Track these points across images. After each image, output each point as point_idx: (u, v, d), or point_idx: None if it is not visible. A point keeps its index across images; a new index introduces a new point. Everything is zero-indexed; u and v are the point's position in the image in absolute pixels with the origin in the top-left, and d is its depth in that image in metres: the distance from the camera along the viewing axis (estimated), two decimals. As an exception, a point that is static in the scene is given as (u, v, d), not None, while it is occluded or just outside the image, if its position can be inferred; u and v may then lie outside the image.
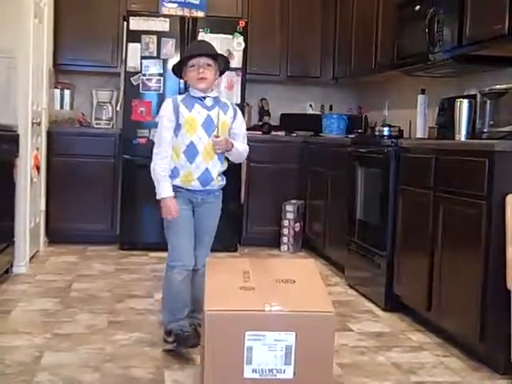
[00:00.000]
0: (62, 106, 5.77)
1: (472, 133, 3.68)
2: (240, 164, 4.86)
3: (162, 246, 5.23)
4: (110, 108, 5.80)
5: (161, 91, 5.31)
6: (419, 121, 4.56)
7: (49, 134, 5.36)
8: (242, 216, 5.66)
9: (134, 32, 5.27)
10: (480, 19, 3.49)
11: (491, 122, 3.45)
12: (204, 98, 2.95)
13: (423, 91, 4.59)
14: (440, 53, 3.86)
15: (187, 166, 2.91)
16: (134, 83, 5.30)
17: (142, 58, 5.28)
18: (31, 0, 4.49)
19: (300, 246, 5.68)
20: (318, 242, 5.33)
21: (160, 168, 2.93)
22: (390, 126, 4.67)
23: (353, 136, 5.14)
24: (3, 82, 4.31)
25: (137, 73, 5.29)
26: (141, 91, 5.30)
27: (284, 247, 5.60)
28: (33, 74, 4.55)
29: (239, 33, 5.40)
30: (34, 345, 3.00)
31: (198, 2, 5.64)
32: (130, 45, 5.29)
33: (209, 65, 2.91)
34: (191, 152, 2.90)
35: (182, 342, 2.88)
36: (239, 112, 3.10)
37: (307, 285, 2.43)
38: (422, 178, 3.46)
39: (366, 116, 5.89)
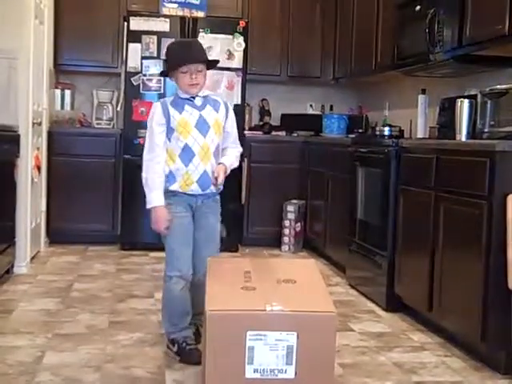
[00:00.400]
0: (62, 106, 5.78)
1: (473, 133, 3.68)
2: (241, 164, 4.85)
3: (162, 247, 5.28)
4: (110, 108, 5.81)
5: (161, 91, 5.30)
6: (420, 121, 4.57)
7: (49, 134, 5.37)
8: (243, 216, 5.67)
9: (134, 32, 5.28)
10: (480, 19, 3.49)
11: (492, 122, 3.45)
12: (193, 97, 2.86)
13: (424, 91, 4.59)
14: (440, 53, 3.86)
15: (184, 170, 2.83)
16: (135, 83, 5.30)
17: (143, 58, 5.29)
18: (32, 1, 4.50)
19: (301, 246, 5.68)
20: (319, 242, 5.33)
21: (153, 175, 2.85)
22: (390, 125, 4.67)
23: (353, 136, 5.15)
24: (4, 83, 4.32)
25: (137, 73, 5.30)
26: (141, 91, 5.31)
27: (285, 247, 5.60)
28: (33, 74, 4.55)
29: (239, 33, 5.40)
30: (35, 345, 3.00)
31: (198, 3, 5.64)
32: (131, 45, 5.29)
33: (200, 70, 2.83)
34: (187, 155, 2.82)
35: (186, 357, 2.84)
36: (231, 109, 3.00)
37: (308, 285, 2.43)
38: (422, 178, 3.46)
39: (366, 116, 5.89)
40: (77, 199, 5.39)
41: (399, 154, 3.78)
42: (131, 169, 5.32)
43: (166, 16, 5.41)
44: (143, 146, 5.47)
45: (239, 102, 5.32)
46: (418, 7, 4.13)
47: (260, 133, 5.85)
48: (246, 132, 5.59)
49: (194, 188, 2.86)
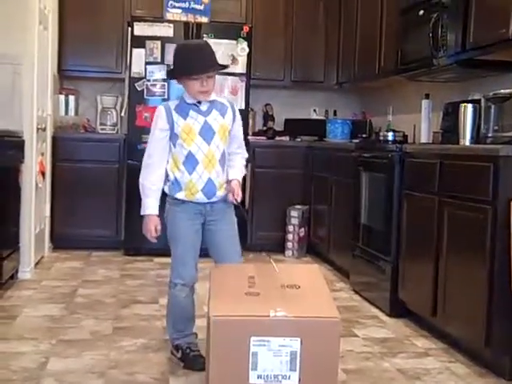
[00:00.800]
0: (66, 112, 5.80)
1: (476, 137, 3.68)
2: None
3: (166, 252, 5.26)
4: (114, 113, 5.82)
5: (165, 96, 5.32)
6: (423, 126, 4.56)
7: (54, 139, 5.38)
8: (247, 221, 5.66)
9: (138, 37, 5.29)
10: (484, 24, 3.48)
11: (496, 127, 3.44)
12: (199, 102, 2.78)
13: (427, 96, 4.59)
14: (444, 57, 3.86)
15: (188, 178, 2.77)
16: (139, 89, 5.31)
17: (147, 63, 5.30)
18: (36, 7, 4.52)
19: (305, 251, 5.67)
20: (323, 247, 5.33)
21: (149, 182, 2.82)
22: (394, 130, 4.67)
23: (357, 141, 5.14)
24: (8, 88, 4.33)
25: (141, 78, 5.31)
26: (145, 97, 5.32)
27: (289, 252, 5.60)
28: (38, 79, 4.57)
29: (243, 38, 5.41)
30: (39, 351, 3.00)
31: (202, 8, 5.65)
32: (135, 50, 5.31)
33: (210, 76, 2.75)
34: (191, 163, 2.75)
35: (190, 363, 2.84)
36: (238, 112, 2.92)
37: (312, 290, 2.42)
38: (426, 183, 3.45)
39: (370, 121, 5.89)
40: (81, 204, 5.40)
41: (403, 159, 3.77)
42: (135, 174, 5.24)
43: (169, 21, 5.43)
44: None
45: (243, 107, 5.32)
46: (421, 12, 4.13)
47: (264, 138, 5.85)
48: (249, 137, 5.60)
49: (200, 197, 2.79)
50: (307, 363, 2.20)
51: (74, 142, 5.49)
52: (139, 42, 5.29)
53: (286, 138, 5.94)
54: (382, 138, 4.60)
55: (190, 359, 2.84)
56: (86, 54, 5.68)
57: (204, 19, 5.61)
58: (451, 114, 4.15)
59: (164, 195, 2.90)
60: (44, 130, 4.93)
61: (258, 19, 5.90)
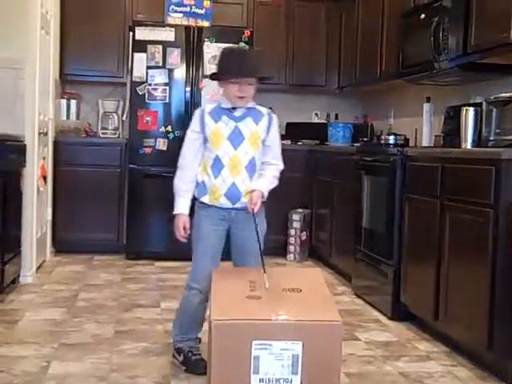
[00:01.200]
0: (68, 116, 5.80)
1: (478, 141, 3.68)
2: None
3: (167, 256, 5.30)
4: (116, 118, 5.83)
5: (166, 101, 5.33)
6: (425, 129, 4.56)
7: (55, 143, 5.39)
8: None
9: (139, 42, 5.30)
10: (485, 27, 3.49)
11: (497, 131, 3.45)
12: (234, 108, 2.77)
13: (429, 99, 4.59)
14: (445, 61, 3.86)
15: (213, 182, 2.75)
16: (140, 93, 5.32)
17: (148, 67, 5.31)
18: (38, 11, 4.53)
19: (306, 254, 5.67)
20: (325, 251, 5.32)
21: (181, 182, 2.81)
22: (395, 134, 4.67)
23: (358, 145, 5.14)
24: (11, 93, 4.34)
25: (142, 82, 5.32)
26: (146, 101, 5.32)
27: (290, 256, 5.59)
28: (39, 84, 4.58)
29: (244, 42, 5.41)
30: (40, 355, 3.00)
31: (203, 12, 5.66)
32: (136, 55, 5.31)
33: (251, 83, 2.73)
34: (217, 166, 2.74)
35: (191, 367, 2.83)
36: (275, 122, 2.86)
37: (314, 294, 2.42)
38: (428, 187, 3.45)
39: (371, 124, 5.89)
40: (82, 208, 5.40)
41: (404, 163, 3.77)
42: (137, 178, 5.34)
43: (171, 25, 5.43)
44: (149, 155, 5.58)
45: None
46: (422, 15, 4.13)
47: (265, 142, 5.84)
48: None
49: (223, 201, 2.76)
50: (309, 367, 2.20)
51: (76, 147, 5.50)
52: (140, 46, 5.30)
53: (287, 142, 5.93)
54: (383, 141, 4.60)
55: (192, 363, 2.84)
56: (88, 58, 5.68)
57: (205, 23, 5.62)
58: (453, 118, 4.15)
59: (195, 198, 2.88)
60: (46, 134, 4.94)
61: (259, 23, 5.90)
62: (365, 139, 5.52)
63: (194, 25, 5.54)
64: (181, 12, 5.63)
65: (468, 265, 3.05)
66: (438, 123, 4.50)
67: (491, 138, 3.48)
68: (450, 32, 3.79)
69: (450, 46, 3.80)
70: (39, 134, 4.63)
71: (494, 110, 3.47)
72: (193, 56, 5.36)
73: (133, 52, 5.33)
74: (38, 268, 4.74)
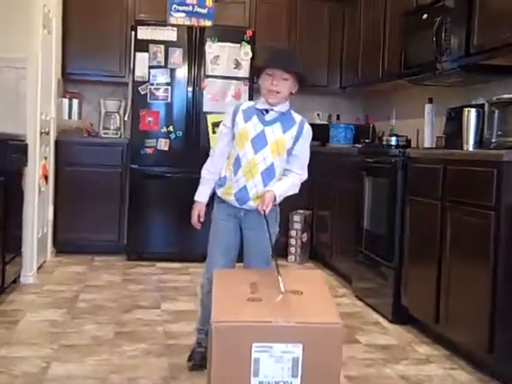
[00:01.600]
0: (70, 116, 5.79)
1: (480, 142, 3.67)
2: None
3: (169, 257, 5.30)
4: (117, 118, 5.82)
5: (168, 101, 5.32)
6: (427, 130, 4.55)
7: (57, 143, 5.39)
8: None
9: (141, 41, 5.29)
10: (488, 28, 3.48)
11: (499, 132, 3.43)
12: (267, 111, 2.74)
13: (431, 100, 4.58)
14: (447, 62, 3.85)
15: (231, 178, 2.76)
16: (142, 93, 5.31)
17: (150, 67, 5.30)
18: (40, 11, 4.53)
19: (307, 256, 5.66)
20: (326, 253, 5.31)
21: (205, 170, 2.85)
22: (397, 135, 4.66)
23: (360, 146, 5.13)
24: (12, 92, 4.34)
25: (144, 82, 5.31)
26: (148, 101, 5.32)
27: (291, 258, 5.58)
28: (42, 83, 4.57)
29: (247, 42, 5.41)
30: (41, 355, 3.00)
31: (205, 12, 5.65)
32: (138, 54, 5.31)
33: (285, 79, 2.69)
34: (237, 166, 2.74)
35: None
36: (306, 131, 2.79)
37: (315, 296, 2.41)
38: (429, 188, 3.44)
39: (373, 125, 5.88)
40: (84, 209, 5.40)
41: (406, 164, 3.77)
42: (138, 178, 5.34)
43: (173, 25, 5.43)
44: (150, 155, 5.58)
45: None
46: (425, 16, 4.13)
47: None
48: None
49: (232, 200, 2.78)
50: (309, 369, 2.19)
51: (77, 146, 5.49)
52: (143, 45, 5.30)
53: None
54: (385, 142, 4.60)
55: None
56: (90, 57, 5.67)
57: (208, 23, 5.61)
58: (454, 119, 4.14)
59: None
60: (47, 133, 4.93)
61: (261, 23, 5.89)
62: (366, 140, 5.51)
63: (196, 24, 5.54)
64: (183, 11, 5.62)
65: (469, 267, 3.04)
66: (439, 124, 4.49)
67: (493, 140, 3.47)
68: (453, 33, 3.78)
69: (452, 46, 3.79)
70: (41, 133, 4.63)
71: (496, 111, 3.46)
72: (195, 56, 5.35)
73: (135, 51, 5.33)
74: (39, 268, 4.74)
